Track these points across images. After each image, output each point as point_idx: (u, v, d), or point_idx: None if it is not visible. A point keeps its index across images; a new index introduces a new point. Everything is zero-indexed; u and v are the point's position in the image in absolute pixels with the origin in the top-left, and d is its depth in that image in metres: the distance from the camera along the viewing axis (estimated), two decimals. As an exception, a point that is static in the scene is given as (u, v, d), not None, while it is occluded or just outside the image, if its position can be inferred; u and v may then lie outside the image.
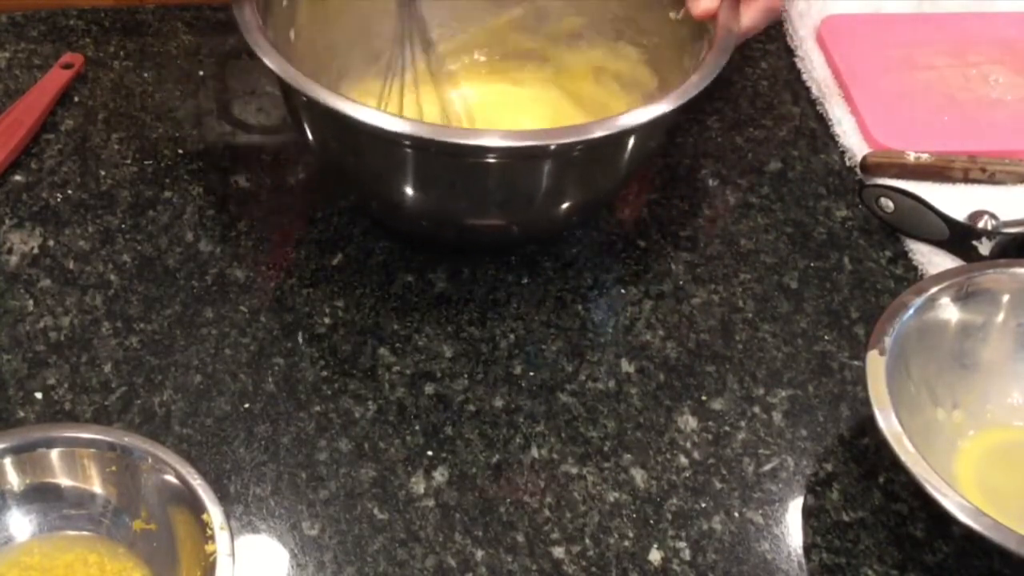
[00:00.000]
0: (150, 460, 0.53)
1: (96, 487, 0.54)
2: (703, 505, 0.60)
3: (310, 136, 0.68)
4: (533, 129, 0.67)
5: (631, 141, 0.65)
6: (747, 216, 0.76)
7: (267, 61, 0.62)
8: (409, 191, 0.65)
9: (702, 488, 0.60)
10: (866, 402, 0.56)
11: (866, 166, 0.78)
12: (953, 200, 0.75)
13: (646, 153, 0.70)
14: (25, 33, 0.88)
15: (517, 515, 0.59)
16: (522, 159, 0.63)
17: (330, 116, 0.61)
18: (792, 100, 0.86)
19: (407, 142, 0.61)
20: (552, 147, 0.61)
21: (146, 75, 0.85)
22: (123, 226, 0.73)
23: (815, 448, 0.62)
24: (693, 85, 0.63)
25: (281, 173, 0.77)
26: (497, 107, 0.81)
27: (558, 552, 0.57)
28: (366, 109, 0.60)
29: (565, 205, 0.68)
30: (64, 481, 0.55)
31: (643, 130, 0.63)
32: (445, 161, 0.63)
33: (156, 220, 0.74)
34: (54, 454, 0.54)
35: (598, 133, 0.61)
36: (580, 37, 0.80)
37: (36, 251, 0.71)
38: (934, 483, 0.52)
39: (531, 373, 0.66)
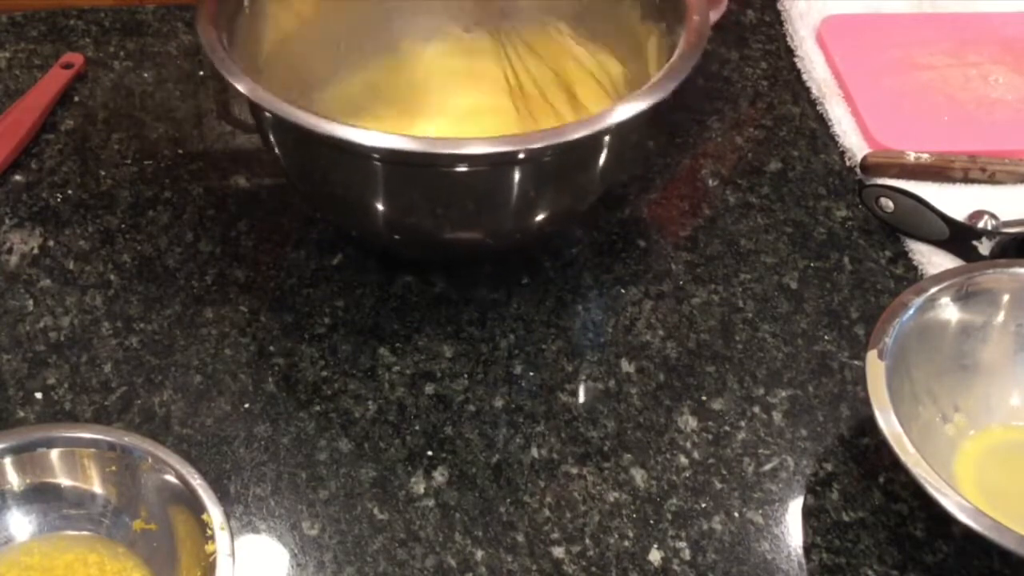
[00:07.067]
0: (150, 460, 0.53)
1: (96, 487, 0.54)
2: (703, 505, 0.60)
3: (277, 152, 0.65)
4: (505, 136, 0.61)
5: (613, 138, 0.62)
6: (747, 216, 0.76)
7: (229, 78, 0.60)
8: (379, 207, 0.63)
9: (702, 488, 0.60)
10: (866, 402, 0.56)
11: (866, 166, 0.78)
12: (953, 200, 0.75)
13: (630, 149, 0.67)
14: (25, 33, 0.88)
15: (517, 515, 0.59)
16: (495, 166, 0.60)
17: (291, 128, 0.58)
18: (792, 100, 0.86)
19: (375, 155, 0.58)
20: (523, 152, 0.58)
21: (146, 75, 0.85)
22: (123, 226, 0.73)
23: (815, 448, 0.62)
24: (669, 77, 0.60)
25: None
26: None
27: (558, 552, 0.57)
28: (322, 120, 0.57)
29: (543, 213, 0.65)
30: (64, 481, 0.55)
31: (625, 127, 0.60)
32: (414, 173, 0.60)
33: (156, 220, 0.74)
34: (54, 454, 0.54)
35: (577, 134, 0.58)
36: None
37: (36, 251, 0.71)
38: (934, 483, 0.52)
39: (531, 373, 0.66)
